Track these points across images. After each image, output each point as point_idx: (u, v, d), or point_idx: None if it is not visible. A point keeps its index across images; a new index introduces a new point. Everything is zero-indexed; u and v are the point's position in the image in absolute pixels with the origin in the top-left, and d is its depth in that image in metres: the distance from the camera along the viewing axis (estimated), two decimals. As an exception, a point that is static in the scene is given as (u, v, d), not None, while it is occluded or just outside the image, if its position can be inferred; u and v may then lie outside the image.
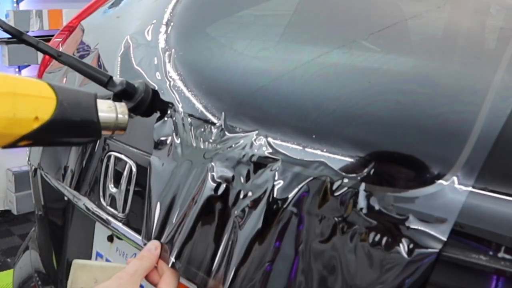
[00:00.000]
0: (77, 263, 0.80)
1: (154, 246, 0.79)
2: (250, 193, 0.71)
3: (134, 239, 0.89)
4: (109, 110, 0.70)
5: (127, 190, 0.92)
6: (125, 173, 0.93)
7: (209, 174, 0.76)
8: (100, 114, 0.68)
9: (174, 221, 0.79)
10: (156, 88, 0.89)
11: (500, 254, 0.51)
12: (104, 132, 0.70)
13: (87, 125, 0.67)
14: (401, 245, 0.56)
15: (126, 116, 0.71)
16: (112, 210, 0.95)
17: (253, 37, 1.03)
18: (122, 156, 0.95)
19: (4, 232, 3.18)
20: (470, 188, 0.55)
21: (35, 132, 0.63)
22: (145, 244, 0.80)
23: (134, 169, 0.92)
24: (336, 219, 0.62)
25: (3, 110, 0.61)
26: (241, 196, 0.72)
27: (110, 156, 0.98)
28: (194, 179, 0.78)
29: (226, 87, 0.88)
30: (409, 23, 0.86)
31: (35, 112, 0.63)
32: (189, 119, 0.84)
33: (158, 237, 0.81)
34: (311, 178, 0.66)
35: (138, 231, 0.87)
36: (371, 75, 0.77)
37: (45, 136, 0.64)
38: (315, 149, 0.68)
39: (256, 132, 0.75)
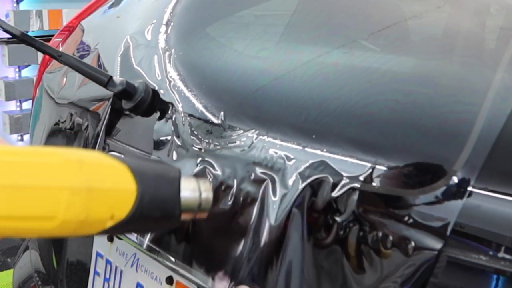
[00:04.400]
0: None
1: None
2: (250, 193, 0.71)
3: (134, 239, 0.89)
4: (193, 193, 0.58)
5: (127, 190, 0.92)
6: (125, 173, 0.93)
7: (210, 173, 0.76)
8: (183, 199, 0.56)
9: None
10: (156, 88, 0.89)
11: (500, 254, 0.51)
12: (183, 217, 0.58)
13: (167, 219, 0.55)
14: (401, 245, 0.56)
15: (210, 196, 0.60)
16: (112, 210, 0.95)
17: (253, 37, 1.03)
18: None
19: (4, 232, 3.17)
20: (470, 188, 0.55)
21: (105, 231, 0.52)
22: (140, 244, 0.79)
23: (134, 169, 0.92)
24: (336, 219, 0.62)
25: (75, 211, 0.48)
26: (242, 196, 0.72)
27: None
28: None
29: (226, 87, 0.88)
30: (409, 23, 0.86)
31: (111, 210, 0.51)
32: (189, 119, 0.84)
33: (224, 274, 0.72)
34: (311, 179, 0.66)
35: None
36: (371, 75, 0.77)
37: (113, 232, 0.54)
38: (315, 149, 0.68)
39: (256, 131, 0.75)
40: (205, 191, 0.59)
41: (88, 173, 0.49)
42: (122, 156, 0.53)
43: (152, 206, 0.53)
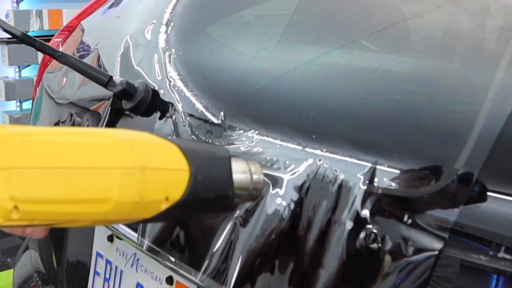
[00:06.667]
0: None
1: None
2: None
3: (134, 239, 0.89)
4: (244, 174, 0.55)
5: (127, 190, 0.92)
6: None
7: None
8: (235, 180, 0.54)
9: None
10: (156, 88, 0.89)
11: (500, 254, 0.51)
12: (236, 200, 0.56)
13: (221, 201, 0.53)
14: (401, 245, 0.56)
15: (261, 179, 0.57)
16: (112, 210, 0.94)
17: (253, 37, 1.03)
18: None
19: (4, 232, 3.17)
20: (470, 188, 0.55)
21: (160, 215, 0.49)
22: (140, 244, 0.79)
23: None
24: (335, 219, 0.62)
25: (129, 192, 0.46)
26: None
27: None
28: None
29: (226, 87, 0.88)
30: (409, 23, 0.86)
31: (165, 191, 0.49)
32: (189, 119, 0.84)
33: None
34: (310, 178, 0.66)
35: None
36: (371, 75, 0.77)
37: (168, 217, 0.51)
38: (315, 149, 0.68)
39: (256, 131, 0.75)
40: (256, 173, 0.57)
41: (139, 153, 0.47)
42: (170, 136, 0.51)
43: (206, 186, 0.51)
